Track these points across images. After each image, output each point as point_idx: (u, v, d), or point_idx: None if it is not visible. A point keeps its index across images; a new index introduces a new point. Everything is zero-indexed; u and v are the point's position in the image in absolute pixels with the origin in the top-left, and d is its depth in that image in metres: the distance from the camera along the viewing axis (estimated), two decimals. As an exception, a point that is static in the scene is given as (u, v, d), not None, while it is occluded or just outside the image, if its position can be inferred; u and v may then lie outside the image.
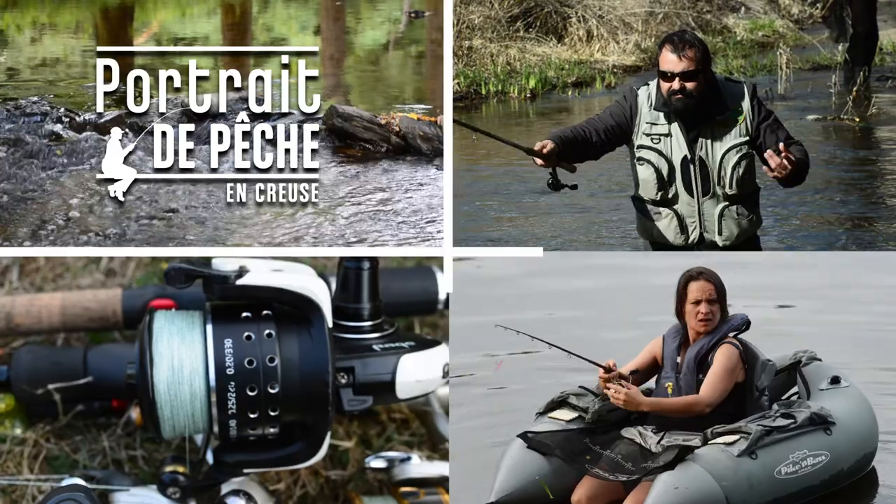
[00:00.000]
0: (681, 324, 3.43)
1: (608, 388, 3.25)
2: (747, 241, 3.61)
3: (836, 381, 3.57)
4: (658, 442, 3.23)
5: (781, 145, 3.41)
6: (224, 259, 2.95)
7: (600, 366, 3.27)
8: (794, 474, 3.22)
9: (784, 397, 3.61)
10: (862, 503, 3.41)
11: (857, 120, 6.40)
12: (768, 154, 3.42)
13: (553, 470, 3.26)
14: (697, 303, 3.35)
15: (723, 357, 3.33)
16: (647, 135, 3.54)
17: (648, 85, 3.58)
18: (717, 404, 3.29)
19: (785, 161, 3.36)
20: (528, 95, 7.12)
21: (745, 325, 3.41)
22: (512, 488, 3.22)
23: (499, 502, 3.21)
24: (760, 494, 3.15)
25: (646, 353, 3.45)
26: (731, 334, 3.38)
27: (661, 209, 3.60)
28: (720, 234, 3.56)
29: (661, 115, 3.52)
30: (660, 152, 3.53)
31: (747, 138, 3.52)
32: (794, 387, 3.68)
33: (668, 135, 3.52)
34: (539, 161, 3.51)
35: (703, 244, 3.60)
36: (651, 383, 3.48)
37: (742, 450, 3.13)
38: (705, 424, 3.25)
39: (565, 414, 3.41)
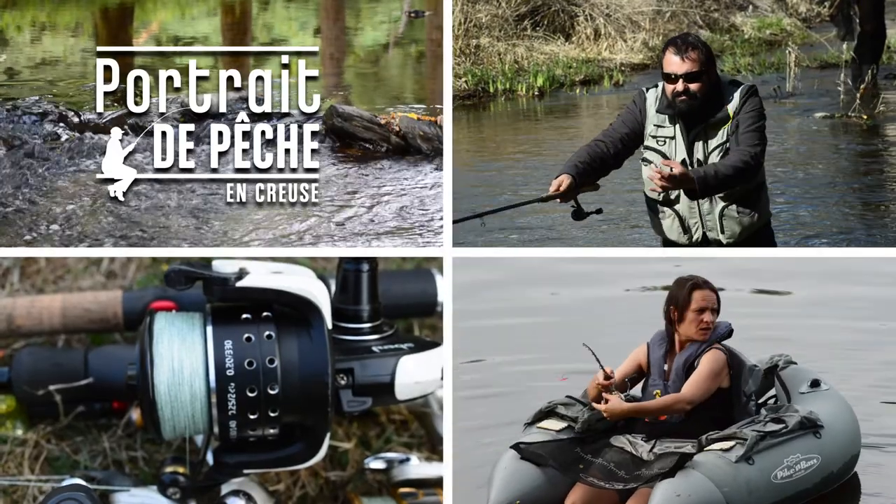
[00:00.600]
0: (667, 329, 3.47)
1: (605, 396, 3.29)
2: (754, 236, 3.63)
3: (815, 384, 3.64)
4: (650, 450, 3.29)
5: (662, 161, 3.47)
6: (224, 261, 3.00)
7: (604, 370, 3.31)
8: (789, 478, 3.28)
9: (760, 401, 3.65)
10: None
11: (865, 118, 6.43)
12: (651, 166, 3.50)
13: (547, 480, 3.30)
14: (701, 311, 3.39)
15: (709, 360, 3.38)
16: (654, 136, 3.58)
17: (657, 87, 3.61)
18: (698, 403, 3.33)
19: (656, 176, 3.40)
20: (536, 94, 7.16)
21: (729, 332, 3.47)
22: (507, 500, 3.26)
23: None
24: (759, 499, 3.20)
25: (630, 360, 3.50)
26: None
27: (664, 209, 3.63)
28: (722, 233, 3.59)
29: (666, 117, 3.56)
30: (663, 154, 3.56)
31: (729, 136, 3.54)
32: (771, 390, 3.73)
33: (673, 137, 3.56)
34: (559, 200, 3.56)
35: (706, 244, 3.62)
36: (636, 391, 3.52)
37: (739, 455, 3.18)
38: (695, 431, 3.30)
39: (554, 424, 3.45)
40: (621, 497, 3.23)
